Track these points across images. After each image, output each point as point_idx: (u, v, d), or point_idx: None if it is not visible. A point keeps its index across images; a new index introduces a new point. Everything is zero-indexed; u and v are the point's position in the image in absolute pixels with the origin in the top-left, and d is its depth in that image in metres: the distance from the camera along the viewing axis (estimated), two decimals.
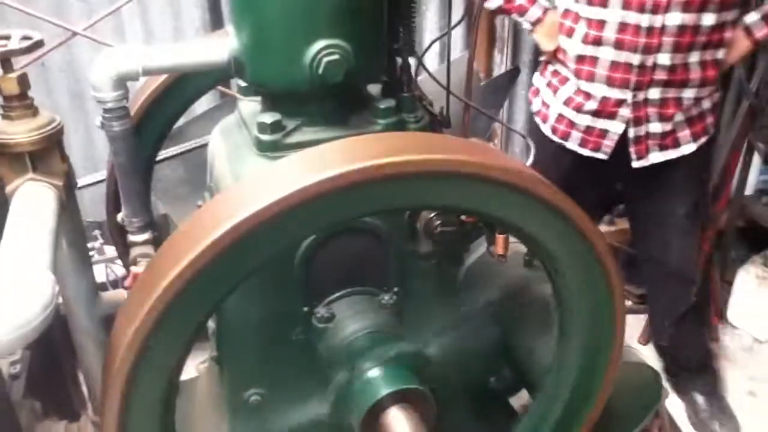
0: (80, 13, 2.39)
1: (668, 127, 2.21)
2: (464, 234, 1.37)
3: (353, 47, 1.21)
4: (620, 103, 2.18)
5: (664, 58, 2.08)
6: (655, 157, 2.25)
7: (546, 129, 2.37)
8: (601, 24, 2.12)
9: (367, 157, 0.99)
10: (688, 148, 2.25)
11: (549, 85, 2.38)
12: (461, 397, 1.49)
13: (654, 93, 2.15)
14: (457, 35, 2.83)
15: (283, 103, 1.31)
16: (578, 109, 2.26)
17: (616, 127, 2.22)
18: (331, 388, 1.26)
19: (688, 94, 2.17)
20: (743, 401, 2.70)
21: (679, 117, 2.21)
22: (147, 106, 1.62)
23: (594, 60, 2.18)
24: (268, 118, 1.26)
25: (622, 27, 2.08)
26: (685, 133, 2.24)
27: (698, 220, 2.47)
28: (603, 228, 3.15)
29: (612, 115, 2.21)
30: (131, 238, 1.45)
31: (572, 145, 2.31)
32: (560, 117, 2.32)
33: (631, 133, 2.22)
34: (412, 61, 1.38)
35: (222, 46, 1.30)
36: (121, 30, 2.51)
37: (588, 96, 2.23)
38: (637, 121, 2.20)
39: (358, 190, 0.99)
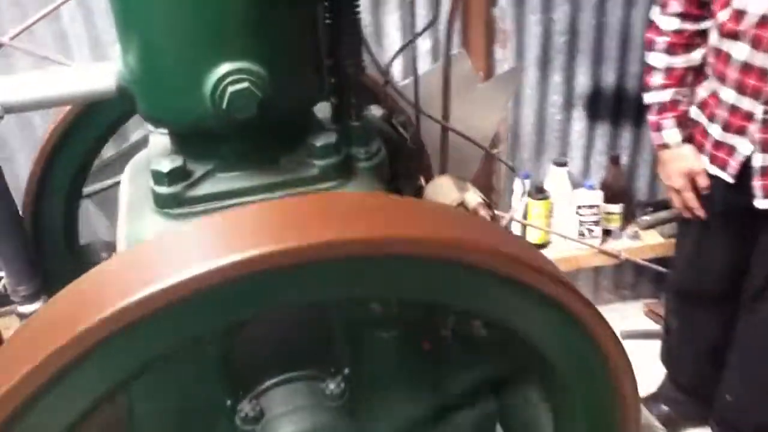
0: (11, 20, 2.09)
1: None
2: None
3: (269, 71, 0.90)
4: (749, 116, 1.82)
5: None
6: None
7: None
8: (740, 15, 1.76)
9: (269, 239, 0.68)
10: None
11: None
12: None
13: None
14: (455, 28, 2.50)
15: (189, 143, 1.01)
16: (711, 118, 1.93)
17: (743, 147, 1.86)
18: None
19: None
20: None
21: None
22: (55, 140, 1.34)
23: (727, 58, 1.83)
24: (166, 164, 0.95)
25: (763, 21, 1.73)
26: None
27: None
28: (626, 243, 2.80)
29: (740, 131, 1.85)
30: (20, 309, 1.17)
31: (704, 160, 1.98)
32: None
33: (757, 160, 1.85)
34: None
35: (107, 71, 1.00)
36: (63, 37, 2.21)
37: (719, 102, 1.88)
38: (765, 146, 1.83)
39: (257, 282, 0.69)
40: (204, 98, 0.90)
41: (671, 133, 2.03)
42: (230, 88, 0.88)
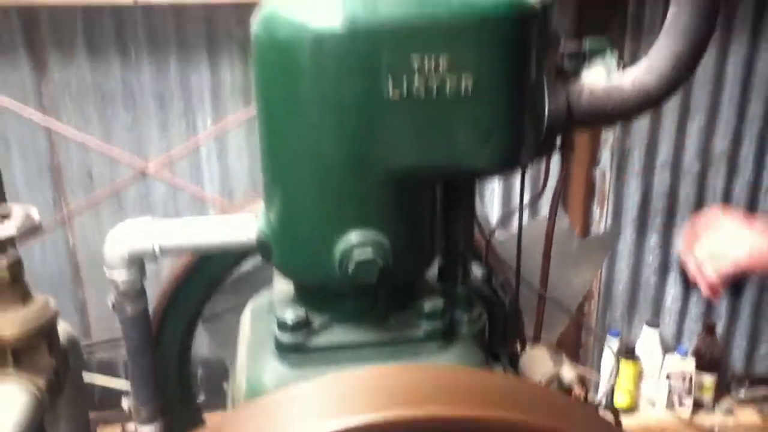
0: (158, 151, 2.36)
1: None
2: None
3: (392, 242, 1.01)
4: None
5: None
6: None
7: None
8: None
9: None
10: None
11: None
12: None
13: None
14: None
15: (311, 295, 1.12)
16: None
17: None
18: None
19: None
20: None
21: None
22: (174, 286, 1.49)
23: None
24: (291, 314, 1.06)
25: None
26: None
27: None
28: (719, 418, 2.69)
29: None
30: (139, 428, 1.28)
31: None
32: None
33: None
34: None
35: (249, 224, 1.13)
36: (198, 166, 2.46)
37: None
38: None
39: None
40: (333, 261, 1.01)
41: None
42: (357, 256, 0.99)
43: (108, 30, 2.24)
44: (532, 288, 1.37)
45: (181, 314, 1.51)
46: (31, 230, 1.01)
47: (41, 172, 2.40)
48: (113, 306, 1.18)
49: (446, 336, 1.10)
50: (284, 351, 1.07)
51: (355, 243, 0.99)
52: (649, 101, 1.04)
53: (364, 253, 0.98)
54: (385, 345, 1.09)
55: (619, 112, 1.05)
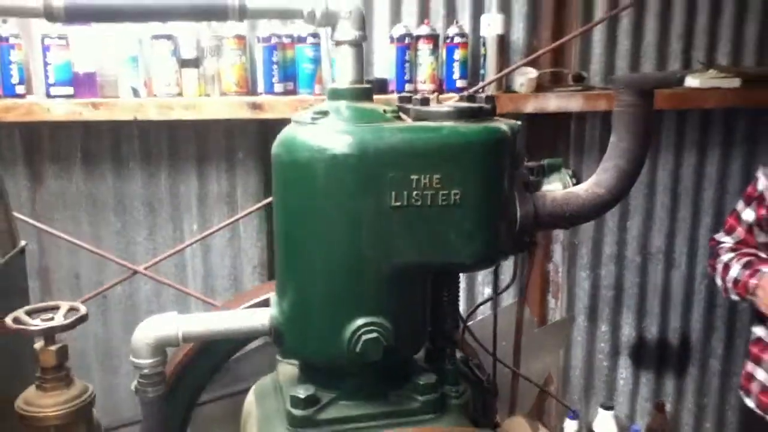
0: (144, 252, 2.52)
1: None
2: None
3: (393, 325, 1.19)
4: None
5: None
6: None
7: (750, 402, 2.25)
8: None
9: None
10: None
11: (751, 354, 2.27)
12: None
13: None
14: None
15: (319, 375, 1.27)
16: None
17: None
18: None
19: None
20: None
21: None
22: (179, 370, 1.61)
23: None
24: (302, 391, 1.22)
25: None
26: None
27: None
28: None
29: None
30: None
31: None
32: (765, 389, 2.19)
33: None
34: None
35: (263, 315, 1.30)
36: (183, 267, 2.62)
37: None
38: None
39: None
40: (342, 342, 1.18)
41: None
42: (364, 337, 1.16)
43: (105, 143, 2.44)
44: (506, 366, 1.55)
45: (180, 401, 1.63)
46: (78, 320, 1.16)
47: (30, 274, 2.51)
48: (136, 390, 1.31)
49: (438, 408, 1.27)
50: (297, 424, 1.21)
51: (362, 326, 1.17)
52: (601, 206, 1.28)
53: (371, 334, 1.16)
54: (385, 417, 1.25)
55: (577, 215, 1.28)
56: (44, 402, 1.12)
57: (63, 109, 2.28)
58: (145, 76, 2.43)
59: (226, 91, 2.46)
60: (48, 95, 2.34)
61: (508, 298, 2.70)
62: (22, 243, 1.46)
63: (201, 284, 2.60)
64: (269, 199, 2.43)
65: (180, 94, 2.42)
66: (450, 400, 1.30)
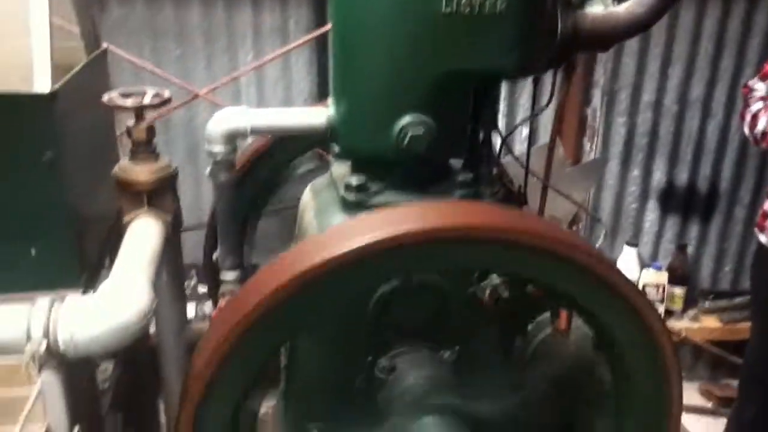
0: (204, 78, 2.67)
1: None
2: (528, 305, 1.44)
3: (437, 123, 1.33)
4: None
5: None
6: None
7: (763, 238, 2.36)
8: None
9: (421, 221, 1.12)
10: None
11: None
12: None
13: None
14: (548, 121, 2.94)
15: (369, 168, 1.42)
16: None
17: None
18: None
19: None
20: None
21: None
22: (249, 163, 1.80)
23: None
24: (355, 180, 1.38)
25: None
26: None
27: None
28: (686, 323, 3.10)
29: None
30: (222, 275, 1.61)
31: None
32: None
33: None
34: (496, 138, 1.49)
35: (321, 113, 1.46)
36: (238, 95, 2.78)
37: None
38: None
39: (413, 249, 1.11)
40: (391, 137, 1.33)
41: None
42: (410, 132, 1.32)
43: None
44: (538, 178, 1.69)
45: (247, 192, 1.82)
46: (163, 102, 1.34)
47: None
48: (210, 174, 1.50)
49: None
50: (349, 208, 1.39)
51: (410, 122, 1.32)
52: (639, 26, 1.37)
53: (417, 130, 1.31)
54: None
55: (615, 34, 1.38)
56: (137, 170, 1.31)
57: None
58: None
59: None
60: None
61: (544, 138, 2.81)
62: (104, 45, 1.61)
63: None
64: (321, 30, 2.54)
65: None
66: (485, 197, 1.46)
